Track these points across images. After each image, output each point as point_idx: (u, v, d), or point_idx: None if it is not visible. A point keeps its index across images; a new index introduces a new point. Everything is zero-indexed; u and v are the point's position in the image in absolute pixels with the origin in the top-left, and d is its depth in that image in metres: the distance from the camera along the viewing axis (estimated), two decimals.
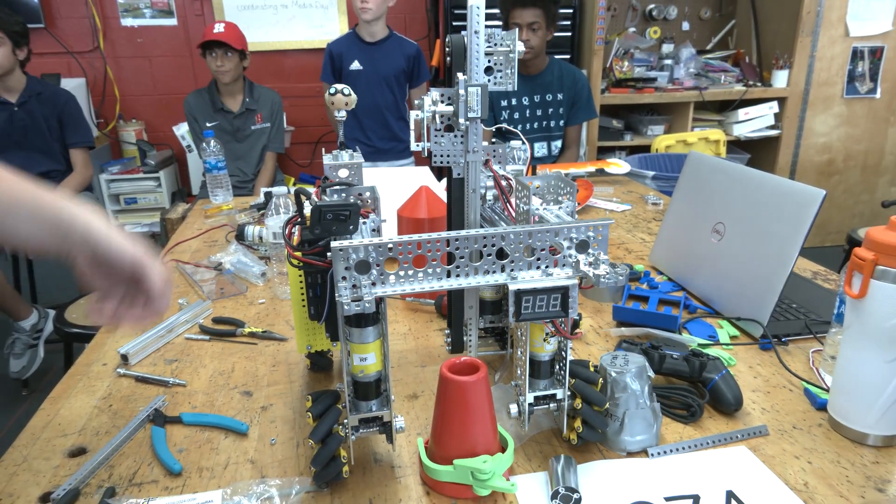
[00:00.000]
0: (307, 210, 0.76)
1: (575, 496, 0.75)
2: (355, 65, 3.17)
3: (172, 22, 3.80)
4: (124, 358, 1.12)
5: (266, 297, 1.42)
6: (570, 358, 0.81)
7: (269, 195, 1.96)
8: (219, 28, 3.04)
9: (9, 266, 3.12)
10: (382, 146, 3.30)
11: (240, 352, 1.17)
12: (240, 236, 1.70)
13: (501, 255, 0.72)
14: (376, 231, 0.82)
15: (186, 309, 1.30)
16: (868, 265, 0.80)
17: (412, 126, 0.89)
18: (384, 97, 3.22)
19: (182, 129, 3.73)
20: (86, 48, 3.73)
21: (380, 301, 0.73)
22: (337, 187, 0.87)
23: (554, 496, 0.76)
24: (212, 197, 2.27)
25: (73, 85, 3.55)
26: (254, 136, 3.25)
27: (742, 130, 3.92)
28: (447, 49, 0.88)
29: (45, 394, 1.03)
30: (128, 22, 3.76)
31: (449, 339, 1.06)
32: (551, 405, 0.84)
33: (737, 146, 4.07)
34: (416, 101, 0.89)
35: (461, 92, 0.83)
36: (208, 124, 3.13)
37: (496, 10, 2.83)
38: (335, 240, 0.68)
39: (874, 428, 0.85)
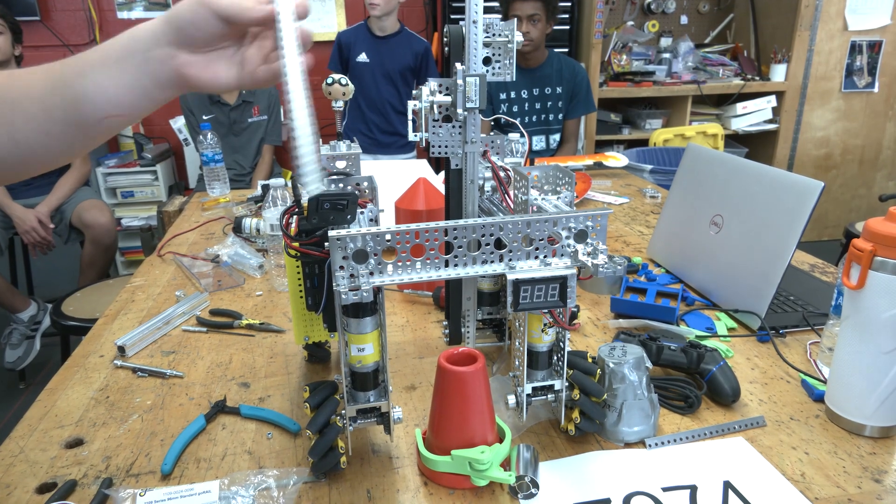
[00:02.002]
0: (305, 200, 0.76)
1: (527, 480, 0.76)
2: (362, 57, 3.17)
3: None
4: (121, 349, 1.12)
5: (263, 289, 1.42)
6: (568, 349, 0.81)
7: (266, 188, 1.96)
8: None
9: (5, 260, 3.11)
10: (384, 140, 3.31)
11: (237, 343, 1.17)
12: (237, 229, 1.70)
13: (500, 245, 0.72)
14: (374, 221, 0.82)
15: (184, 301, 1.30)
16: (866, 256, 0.80)
17: (410, 116, 0.89)
18: (388, 92, 3.22)
19: (179, 123, 3.72)
20: (82, 41, 3.72)
21: (378, 291, 0.73)
22: (335, 177, 0.87)
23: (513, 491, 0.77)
24: (209, 190, 2.26)
25: None
26: (251, 129, 3.24)
27: (740, 124, 3.93)
28: (445, 40, 0.87)
29: (42, 386, 1.03)
30: (123, 15, 3.74)
31: (447, 331, 1.06)
32: (549, 396, 0.84)
33: (735, 140, 4.07)
34: (415, 92, 0.89)
35: (459, 82, 0.83)
36: (205, 117, 3.13)
37: (495, 3, 2.82)
38: (333, 229, 0.68)
39: (871, 419, 0.85)
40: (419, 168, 2.02)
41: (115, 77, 0.63)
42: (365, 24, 3.22)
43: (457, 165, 0.93)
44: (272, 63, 0.67)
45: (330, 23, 3.91)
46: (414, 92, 0.88)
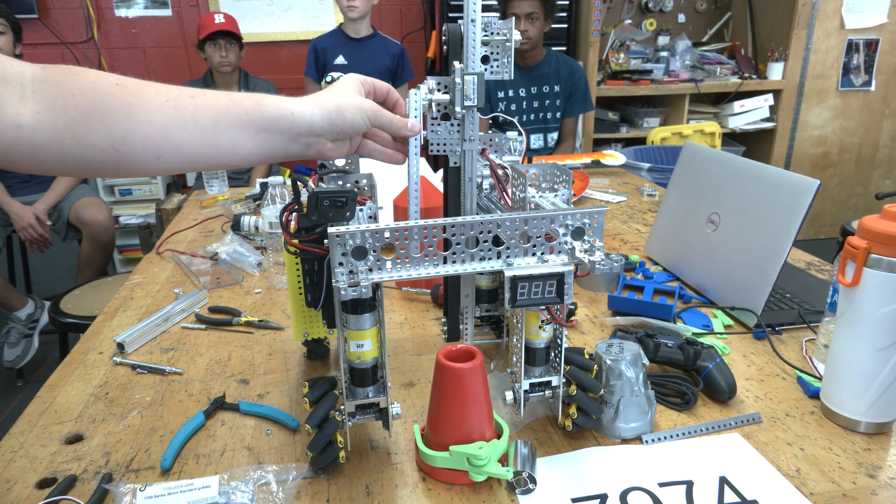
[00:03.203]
0: (304, 197, 0.77)
1: (525, 475, 0.77)
2: (340, 59, 3.19)
3: (167, 13, 3.78)
4: (120, 346, 1.12)
5: (262, 286, 1.42)
6: (565, 345, 0.82)
7: (264, 185, 1.96)
8: (220, 18, 3.04)
9: (2, 258, 3.11)
10: None
11: (236, 340, 1.17)
12: (236, 226, 1.70)
13: (497, 242, 0.72)
14: (373, 218, 0.82)
15: (183, 298, 1.30)
16: (861, 253, 0.81)
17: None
18: None
19: None
20: (80, 39, 3.71)
21: (376, 287, 0.73)
22: (334, 174, 0.87)
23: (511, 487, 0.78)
24: (207, 188, 2.26)
25: None
26: None
27: (737, 123, 3.93)
28: (444, 38, 0.88)
29: (40, 384, 1.03)
30: (121, 13, 3.74)
31: (445, 328, 1.07)
32: (546, 392, 0.85)
33: (732, 139, 4.08)
34: (413, 90, 0.89)
35: (458, 80, 0.83)
36: None
37: (493, 2, 2.83)
38: (332, 226, 0.68)
39: (866, 415, 0.86)
40: None
41: (255, 141, 0.70)
42: (339, 29, 3.23)
43: (455, 163, 0.93)
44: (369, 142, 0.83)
45: (328, 21, 3.91)
46: (412, 90, 0.89)
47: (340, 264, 0.68)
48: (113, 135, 0.63)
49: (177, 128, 0.65)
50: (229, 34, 3.05)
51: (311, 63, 3.23)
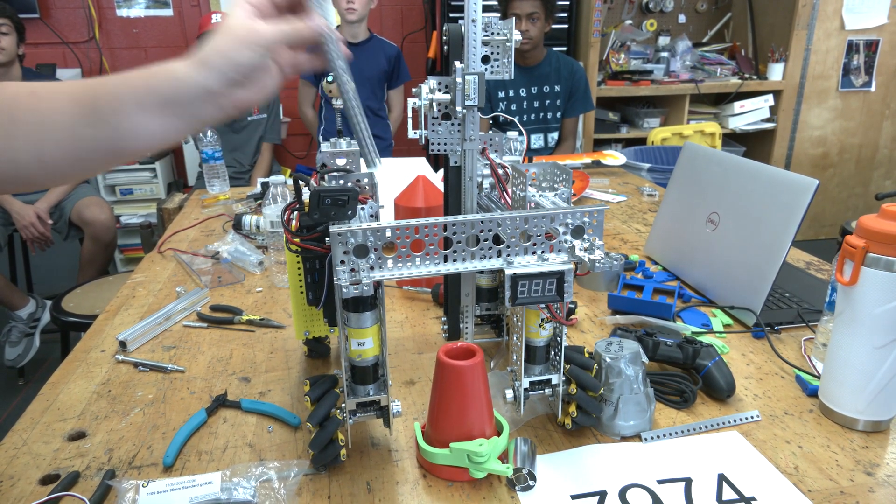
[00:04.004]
0: (306, 196, 0.77)
1: (524, 472, 0.77)
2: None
3: (168, 13, 3.79)
4: (122, 345, 1.13)
5: (263, 285, 1.42)
6: (565, 344, 0.83)
7: (265, 185, 1.96)
8: (217, 19, 3.05)
9: (4, 258, 3.12)
10: None
11: (237, 339, 1.18)
12: (237, 226, 1.71)
13: (498, 240, 0.73)
14: (374, 217, 0.83)
15: (184, 297, 1.31)
16: (859, 252, 0.81)
17: (409, 114, 0.90)
18: (366, 96, 3.24)
19: None
20: (81, 38, 3.72)
21: (378, 285, 0.74)
22: (335, 173, 0.88)
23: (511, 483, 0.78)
24: (209, 187, 2.27)
25: (69, 76, 3.54)
26: (250, 127, 3.25)
27: (737, 123, 3.94)
28: (444, 38, 0.88)
29: (41, 383, 1.04)
30: (123, 12, 3.74)
31: (445, 327, 1.07)
32: (546, 390, 0.86)
33: (732, 139, 4.08)
34: (414, 90, 0.90)
35: (458, 80, 0.84)
36: None
37: (494, 2, 2.83)
38: (334, 224, 0.69)
39: (863, 413, 0.87)
40: (418, 166, 2.03)
41: (160, 120, 0.63)
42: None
43: (456, 163, 0.94)
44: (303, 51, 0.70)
45: (329, 21, 3.91)
46: (413, 90, 0.89)
47: (342, 262, 0.69)
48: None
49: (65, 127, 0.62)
50: None
51: None
